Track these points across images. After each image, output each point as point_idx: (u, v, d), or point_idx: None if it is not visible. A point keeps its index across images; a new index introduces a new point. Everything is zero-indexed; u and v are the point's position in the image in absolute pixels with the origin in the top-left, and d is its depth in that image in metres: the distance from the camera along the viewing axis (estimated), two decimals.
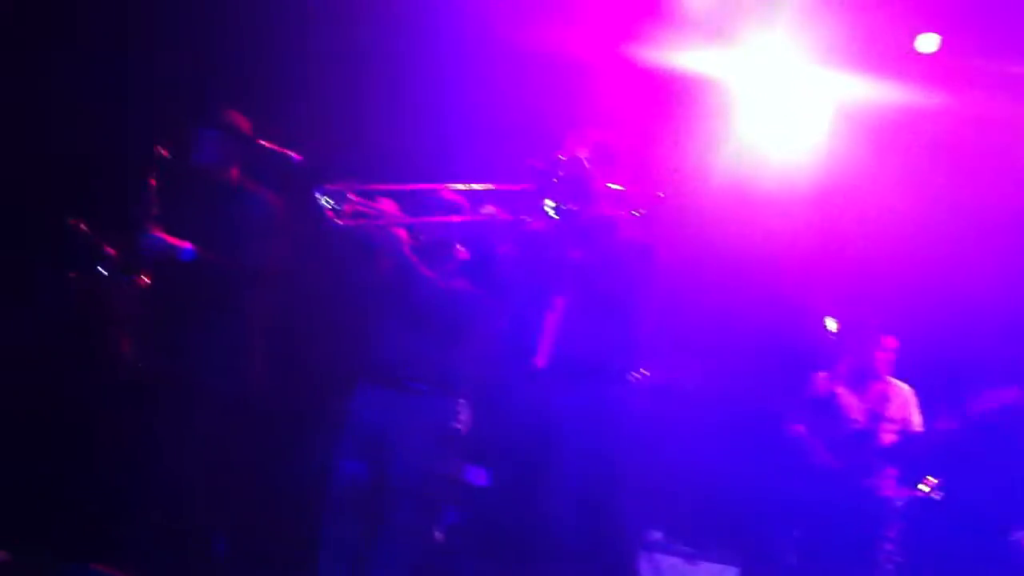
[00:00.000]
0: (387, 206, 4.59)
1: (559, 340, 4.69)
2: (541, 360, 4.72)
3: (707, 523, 6.42)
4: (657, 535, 6.36)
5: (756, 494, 6.20)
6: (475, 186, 4.66)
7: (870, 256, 6.38)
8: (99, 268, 5.13)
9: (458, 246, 4.83)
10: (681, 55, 6.30)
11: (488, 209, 4.57)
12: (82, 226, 5.17)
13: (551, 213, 4.45)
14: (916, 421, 6.11)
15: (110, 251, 5.16)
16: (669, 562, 6.15)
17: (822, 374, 6.16)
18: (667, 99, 6.35)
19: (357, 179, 4.56)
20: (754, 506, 6.24)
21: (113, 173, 5.63)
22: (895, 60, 6.22)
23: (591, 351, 4.69)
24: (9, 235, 5.82)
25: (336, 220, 4.42)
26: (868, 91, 6.28)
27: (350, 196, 4.47)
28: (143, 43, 6.11)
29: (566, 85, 6.23)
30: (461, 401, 4.56)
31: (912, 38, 6.19)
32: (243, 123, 5.26)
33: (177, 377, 5.01)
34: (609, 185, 4.71)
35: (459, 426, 4.57)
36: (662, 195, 4.77)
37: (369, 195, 4.54)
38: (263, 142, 5.16)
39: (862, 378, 6.14)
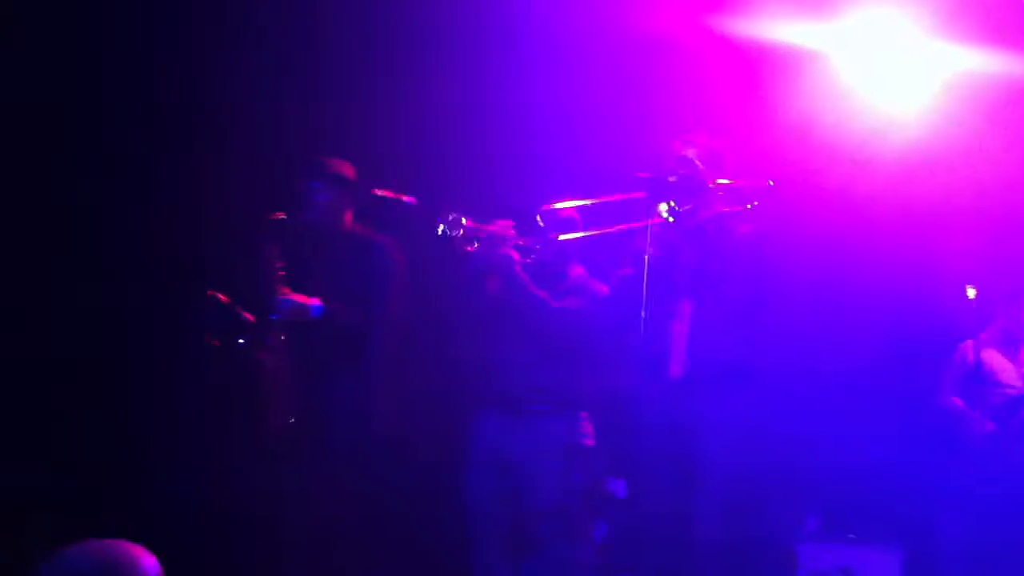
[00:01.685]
0: (499, 227, 4.62)
1: (692, 346, 4.63)
2: (676, 369, 4.66)
3: (867, 509, 6.26)
4: (815, 524, 6.24)
5: (915, 474, 6.00)
6: (587, 201, 4.66)
7: (1004, 218, 6.15)
8: (241, 338, 5.20)
9: (574, 263, 4.82)
10: (784, 29, 6.14)
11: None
12: (220, 297, 5.23)
13: (668, 217, 4.41)
14: None
15: (249, 318, 5.22)
16: (830, 550, 6.03)
17: (969, 343, 5.94)
18: (769, 76, 6.20)
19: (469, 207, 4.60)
20: (914, 487, 6.05)
21: (232, 239, 5.74)
22: (1009, 30, 5.97)
23: (725, 353, 4.61)
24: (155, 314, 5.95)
25: (454, 245, 4.47)
26: (982, 63, 6.02)
27: (463, 221, 4.52)
28: (245, 106, 6.22)
29: (665, 72, 6.12)
30: (584, 415, 4.55)
31: None
32: (348, 170, 5.31)
33: (317, 432, 5.07)
34: (720, 182, 4.64)
35: (586, 441, 4.55)
36: (772, 183, 4.68)
37: (482, 218, 4.58)
38: (374, 189, 5.20)
39: (1012, 342, 5.92)
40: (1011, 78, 6.01)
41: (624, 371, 4.76)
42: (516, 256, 4.61)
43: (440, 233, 4.53)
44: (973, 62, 6.05)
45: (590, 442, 4.65)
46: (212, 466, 5.67)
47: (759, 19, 6.00)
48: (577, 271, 4.83)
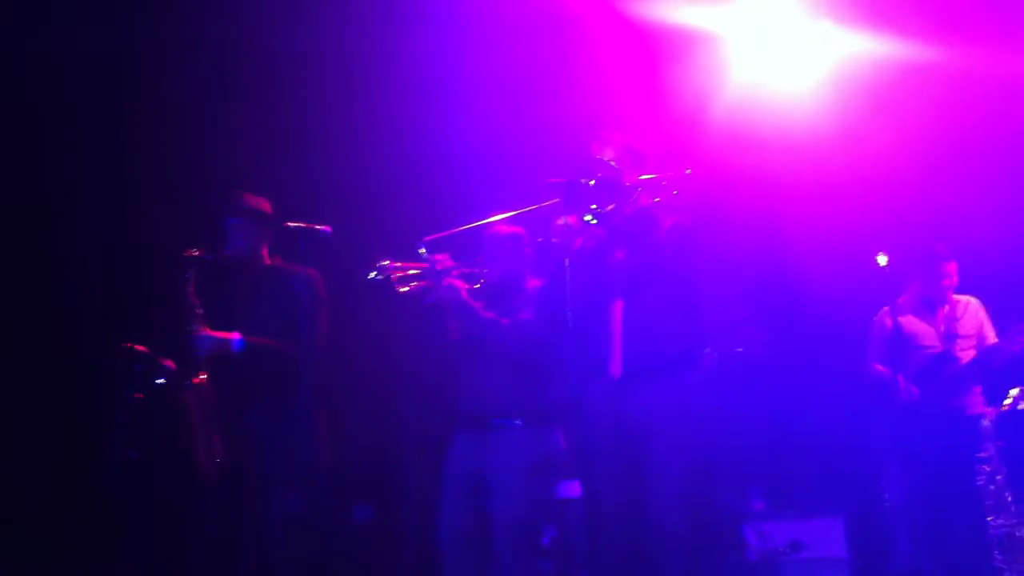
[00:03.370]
0: (439, 260, 4.62)
1: (628, 343, 4.66)
2: (615, 368, 4.69)
3: (806, 482, 6.39)
4: (759, 504, 6.35)
5: (849, 443, 6.15)
6: (510, 213, 4.68)
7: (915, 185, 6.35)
8: (159, 383, 5.12)
9: (530, 276, 4.83)
10: (678, 9, 6.23)
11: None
12: (137, 348, 5.13)
13: (590, 220, 4.44)
14: (990, 332, 6.05)
15: (169, 364, 5.14)
16: (775, 527, 6.15)
17: (885, 309, 6.10)
18: (667, 60, 6.30)
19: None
20: (849, 455, 6.20)
21: (148, 279, 5.64)
22: (893, 14, 6.17)
23: (661, 346, 4.65)
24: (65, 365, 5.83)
25: (395, 289, 4.47)
26: (866, 45, 6.21)
27: (391, 264, 4.53)
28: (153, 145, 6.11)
29: (568, 67, 6.16)
30: (556, 428, 4.58)
31: None
32: (264, 205, 5.27)
33: (249, 468, 5.02)
34: (640, 177, 4.68)
35: (556, 453, 4.58)
36: (689, 171, 4.74)
37: (411, 256, 4.58)
38: (287, 222, 5.15)
39: (928, 304, 6.09)
40: (893, 59, 6.20)
41: (574, 378, 4.78)
42: (460, 284, 4.63)
43: (373, 279, 4.54)
44: (857, 44, 6.26)
45: (560, 455, 4.68)
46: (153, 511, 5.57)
47: (656, 2, 6.11)
48: (533, 283, 4.85)
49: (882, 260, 6.00)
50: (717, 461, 5.42)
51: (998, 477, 5.72)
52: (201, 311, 5.09)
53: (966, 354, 5.97)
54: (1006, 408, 5.79)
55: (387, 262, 4.57)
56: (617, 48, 6.19)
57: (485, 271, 4.68)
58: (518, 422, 4.56)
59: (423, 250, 4.57)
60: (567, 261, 4.38)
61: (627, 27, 6.18)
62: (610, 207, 4.48)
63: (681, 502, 4.67)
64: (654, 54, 6.21)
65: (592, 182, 4.49)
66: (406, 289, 4.53)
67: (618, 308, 4.67)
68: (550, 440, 4.59)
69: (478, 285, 4.67)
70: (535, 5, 6.07)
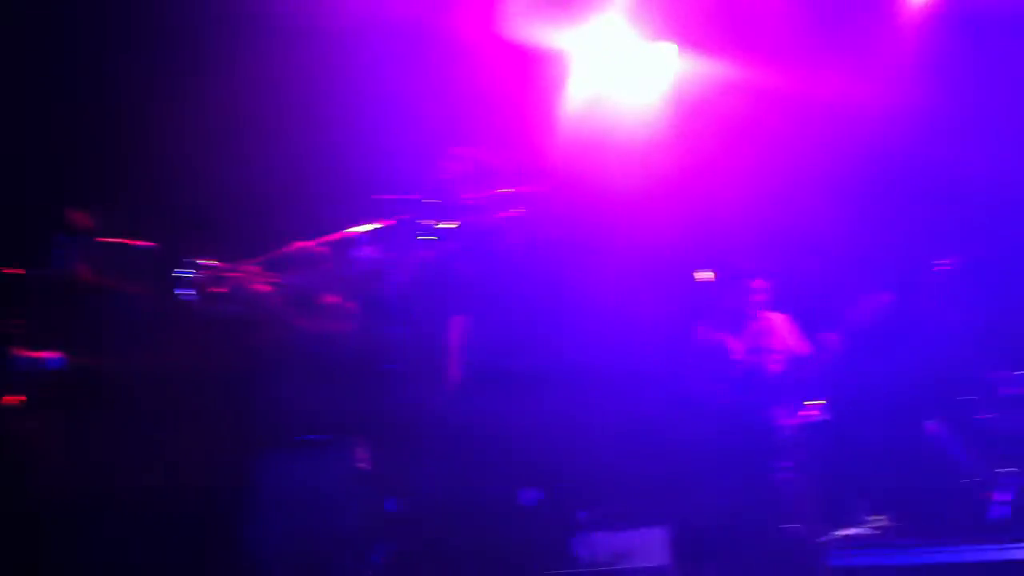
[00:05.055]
0: (248, 272, 4.59)
1: (469, 354, 4.73)
2: (451, 379, 4.75)
3: (629, 492, 6.54)
4: (584, 515, 6.44)
5: (664, 453, 6.35)
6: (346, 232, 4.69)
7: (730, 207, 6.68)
8: None
9: (326, 294, 4.85)
10: (528, 30, 6.42)
11: (365, 250, 4.58)
12: None
13: (432, 236, 4.50)
14: (798, 346, 6.37)
15: None
16: (601, 537, 6.25)
17: (701, 324, 6.35)
18: (518, 75, 6.46)
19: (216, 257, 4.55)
20: (666, 465, 6.38)
21: None
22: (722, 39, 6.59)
23: (504, 358, 4.74)
24: None
25: (206, 305, 4.42)
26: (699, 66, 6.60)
27: (207, 277, 4.48)
28: None
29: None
30: (363, 440, 4.60)
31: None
32: (86, 221, 5.14)
33: (96, 486, 4.88)
34: (486, 192, 4.76)
35: (362, 465, 4.61)
36: (539, 189, 4.86)
37: (225, 269, 4.54)
38: (110, 238, 5.05)
39: (739, 320, 6.37)
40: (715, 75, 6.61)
41: (401, 389, 4.82)
42: (273, 297, 4.61)
43: (186, 294, 4.48)
44: (686, 62, 6.65)
45: (368, 467, 4.69)
46: None
47: (510, 21, 6.27)
48: (332, 300, 4.85)
49: (703, 275, 6.28)
50: (551, 472, 5.54)
51: (798, 484, 6.00)
52: (19, 330, 4.92)
53: (775, 367, 6.27)
54: (808, 419, 6.11)
55: (196, 272, 4.49)
56: (469, 64, 6.30)
57: (292, 287, 4.67)
58: (327, 437, 4.58)
59: (202, 263, 4.52)
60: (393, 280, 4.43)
61: (479, 45, 6.31)
62: (454, 223, 4.55)
63: (511, 513, 4.77)
64: (505, 71, 6.36)
65: (432, 200, 4.55)
66: (212, 301, 4.48)
67: (459, 322, 4.74)
68: (357, 453, 4.62)
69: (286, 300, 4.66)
70: (386, 21, 6.11)
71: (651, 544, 6.17)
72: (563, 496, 6.27)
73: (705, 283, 6.32)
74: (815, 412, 6.16)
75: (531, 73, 6.46)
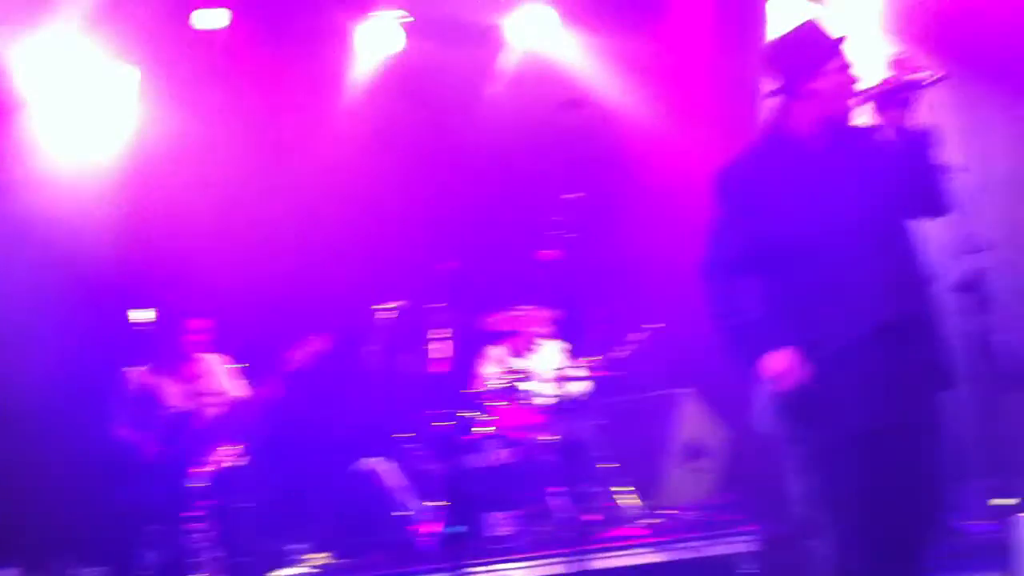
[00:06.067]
0: None
1: None
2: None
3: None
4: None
5: (99, 503, 6.13)
6: None
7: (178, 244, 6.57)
8: None
9: None
10: None
11: None
12: None
13: None
14: (235, 388, 6.31)
15: None
16: None
17: (139, 368, 6.18)
18: None
19: None
20: (102, 515, 6.16)
21: None
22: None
23: None
24: None
25: None
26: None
27: None
28: None
29: None
30: None
31: None
32: None
33: None
34: None
35: None
36: None
37: None
38: None
39: (176, 362, 6.24)
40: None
41: None
42: None
43: None
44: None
45: None
46: None
47: None
48: None
49: (140, 316, 6.12)
50: None
51: (210, 534, 5.88)
52: None
53: (210, 411, 6.19)
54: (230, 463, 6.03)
55: None
56: None
57: None
58: None
59: None
60: None
61: None
62: None
63: None
64: None
65: None
66: None
67: None
68: None
69: None
70: None
71: None
72: None
73: (142, 322, 6.15)
74: (237, 456, 6.11)
75: None
